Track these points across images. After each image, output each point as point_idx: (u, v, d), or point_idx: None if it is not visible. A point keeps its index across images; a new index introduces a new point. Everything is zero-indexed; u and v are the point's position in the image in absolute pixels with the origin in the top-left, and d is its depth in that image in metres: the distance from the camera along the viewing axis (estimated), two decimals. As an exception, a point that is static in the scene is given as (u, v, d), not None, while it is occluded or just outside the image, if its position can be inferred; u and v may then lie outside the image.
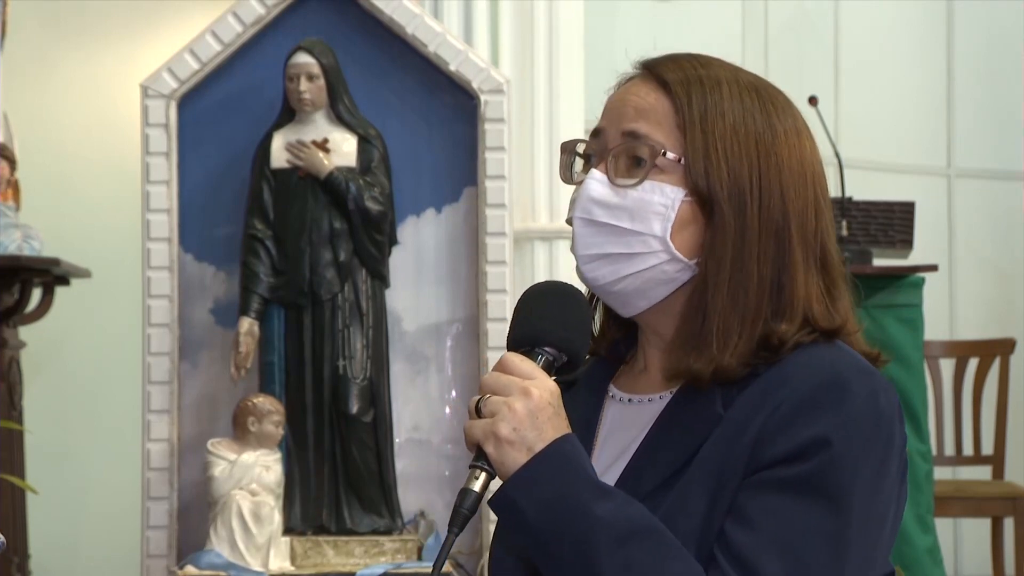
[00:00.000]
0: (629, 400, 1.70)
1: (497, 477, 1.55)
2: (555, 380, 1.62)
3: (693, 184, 1.61)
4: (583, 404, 1.71)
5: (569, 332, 1.61)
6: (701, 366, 1.59)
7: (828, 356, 1.59)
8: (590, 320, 1.67)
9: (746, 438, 1.56)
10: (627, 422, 1.68)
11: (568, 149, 1.70)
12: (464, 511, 1.53)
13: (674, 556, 1.52)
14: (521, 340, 1.61)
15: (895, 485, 1.59)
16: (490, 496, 1.55)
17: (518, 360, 1.58)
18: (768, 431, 1.55)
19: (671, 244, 1.62)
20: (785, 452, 1.54)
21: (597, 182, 1.64)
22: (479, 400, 1.56)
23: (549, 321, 1.61)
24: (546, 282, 1.68)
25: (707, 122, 1.62)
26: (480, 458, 1.55)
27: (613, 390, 1.72)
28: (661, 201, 1.61)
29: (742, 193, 1.61)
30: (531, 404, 1.54)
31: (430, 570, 4.36)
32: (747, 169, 1.61)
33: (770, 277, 1.61)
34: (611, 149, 1.64)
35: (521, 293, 1.66)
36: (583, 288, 1.69)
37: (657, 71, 1.66)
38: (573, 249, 1.67)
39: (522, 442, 1.53)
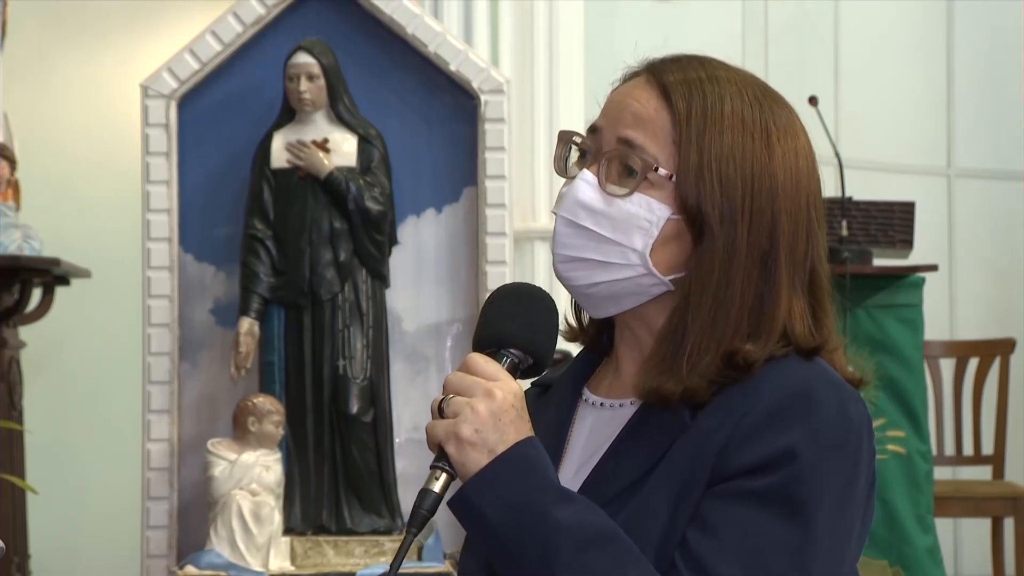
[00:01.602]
0: (601, 404, 1.68)
1: (458, 478, 1.53)
2: (531, 383, 1.61)
3: (682, 203, 1.58)
4: (556, 407, 1.70)
5: (535, 334, 1.60)
6: (671, 387, 1.57)
7: (799, 369, 1.58)
8: (556, 323, 1.64)
9: (712, 446, 1.54)
10: (598, 427, 1.66)
11: (565, 140, 1.67)
12: (423, 512, 1.52)
13: (633, 563, 1.50)
14: (486, 341, 1.60)
15: (863, 498, 1.58)
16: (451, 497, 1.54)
17: (482, 361, 1.56)
18: (735, 441, 1.53)
19: (649, 260, 1.60)
20: (751, 463, 1.52)
21: (587, 184, 1.61)
22: (442, 400, 1.55)
23: (515, 323, 1.60)
24: (514, 283, 1.66)
25: (704, 141, 1.58)
26: (441, 459, 1.54)
27: (587, 393, 1.70)
28: (647, 216, 1.59)
29: (733, 216, 1.58)
30: (494, 406, 1.52)
31: (430, 570, 4.36)
32: (740, 192, 1.58)
33: (752, 300, 1.59)
34: (605, 153, 1.62)
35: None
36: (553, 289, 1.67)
37: (661, 78, 1.62)
38: (552, 245, 1.65)
39: (484, 444, 1.52)
